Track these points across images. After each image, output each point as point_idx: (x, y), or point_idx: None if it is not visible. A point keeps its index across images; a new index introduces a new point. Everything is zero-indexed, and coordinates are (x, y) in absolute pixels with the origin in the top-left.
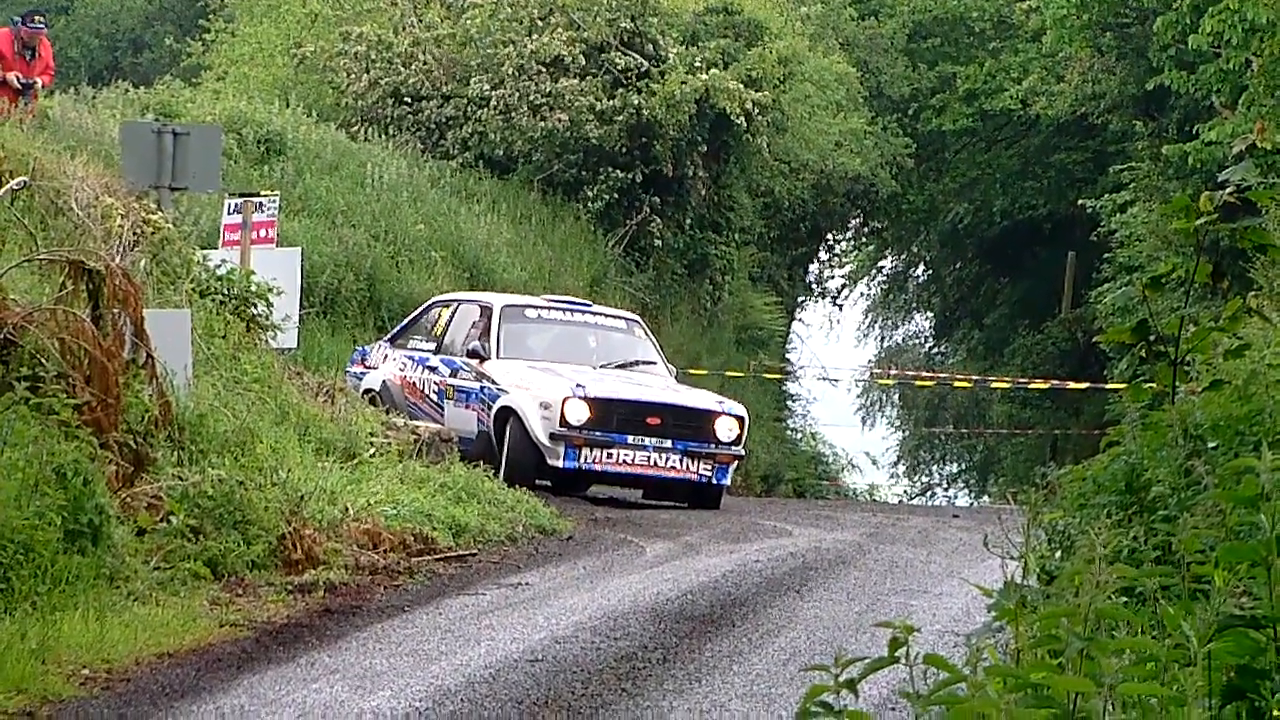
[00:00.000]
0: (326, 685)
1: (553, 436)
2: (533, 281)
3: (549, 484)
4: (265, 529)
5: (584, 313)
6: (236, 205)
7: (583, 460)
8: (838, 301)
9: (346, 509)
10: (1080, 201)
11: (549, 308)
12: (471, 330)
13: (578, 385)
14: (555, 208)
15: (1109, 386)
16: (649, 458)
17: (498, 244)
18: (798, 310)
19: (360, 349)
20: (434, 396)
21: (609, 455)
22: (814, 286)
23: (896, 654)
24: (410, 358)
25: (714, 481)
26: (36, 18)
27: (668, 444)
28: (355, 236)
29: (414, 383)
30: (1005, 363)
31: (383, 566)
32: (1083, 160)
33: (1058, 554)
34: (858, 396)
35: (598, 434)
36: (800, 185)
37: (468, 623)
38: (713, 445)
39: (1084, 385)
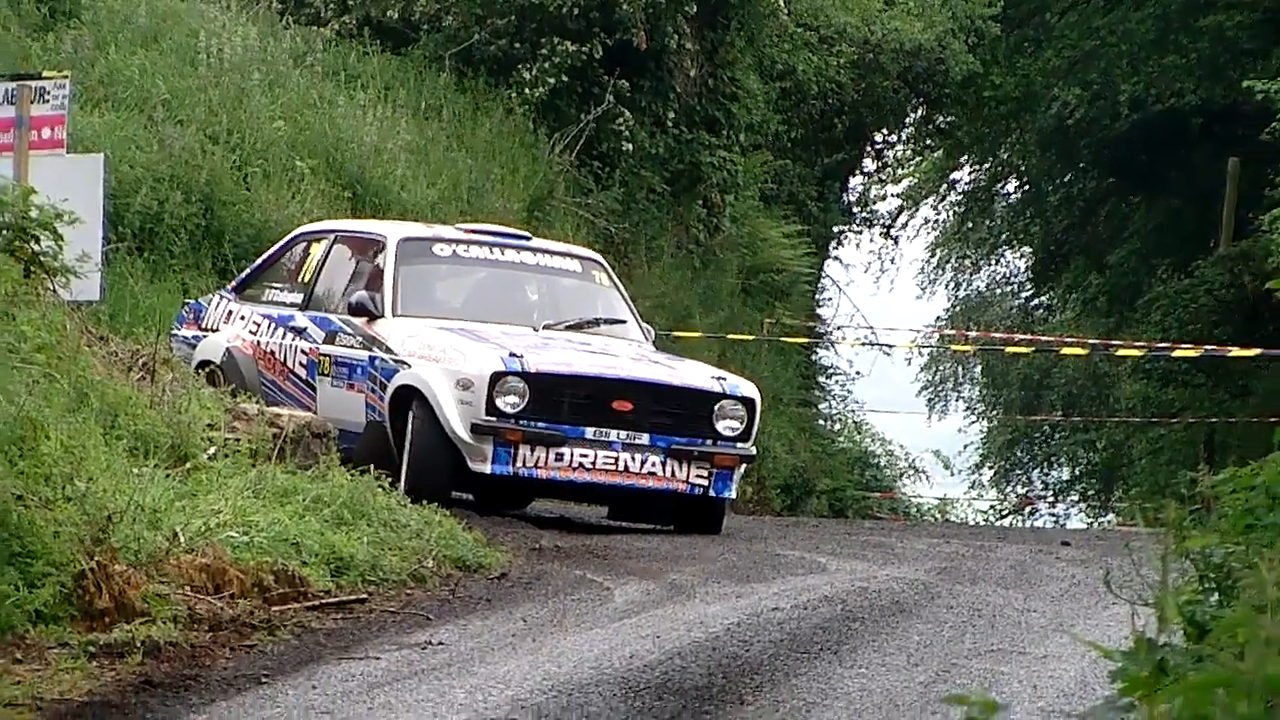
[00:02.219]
0: None
1: (476, 429)
2: (445, 204)
3: (471, 497)
4: (56, 565)
5: (520, 249)
6: (8, 92)
7: (519, 463)
8: (891, 233)
9: (175, 535)
10: (1246, 84)
11: (468, 242)
12: (355, 275)
13: (511, 354)
14: (477, 96)
15: None
16: (616, 459)
17: (393, 150)
18: (833, 245)
19: (193, 303)
20: (301, 372)
21: (558, 456)
22: (856, 211)
23: None
24: (266, 316)
25: (711, 493)
26: None
27: (643, 439)
28: (184, 138)
29: (272, 351)
30: (1138, 320)
31: (229, 619)
32: (1250, 24)
33: (1212, 598)
34: (922, 370)
35: (541, 425)
36: (835, 63)
37: (354, 700)
38: (709, 441)
39: (1253, 353)
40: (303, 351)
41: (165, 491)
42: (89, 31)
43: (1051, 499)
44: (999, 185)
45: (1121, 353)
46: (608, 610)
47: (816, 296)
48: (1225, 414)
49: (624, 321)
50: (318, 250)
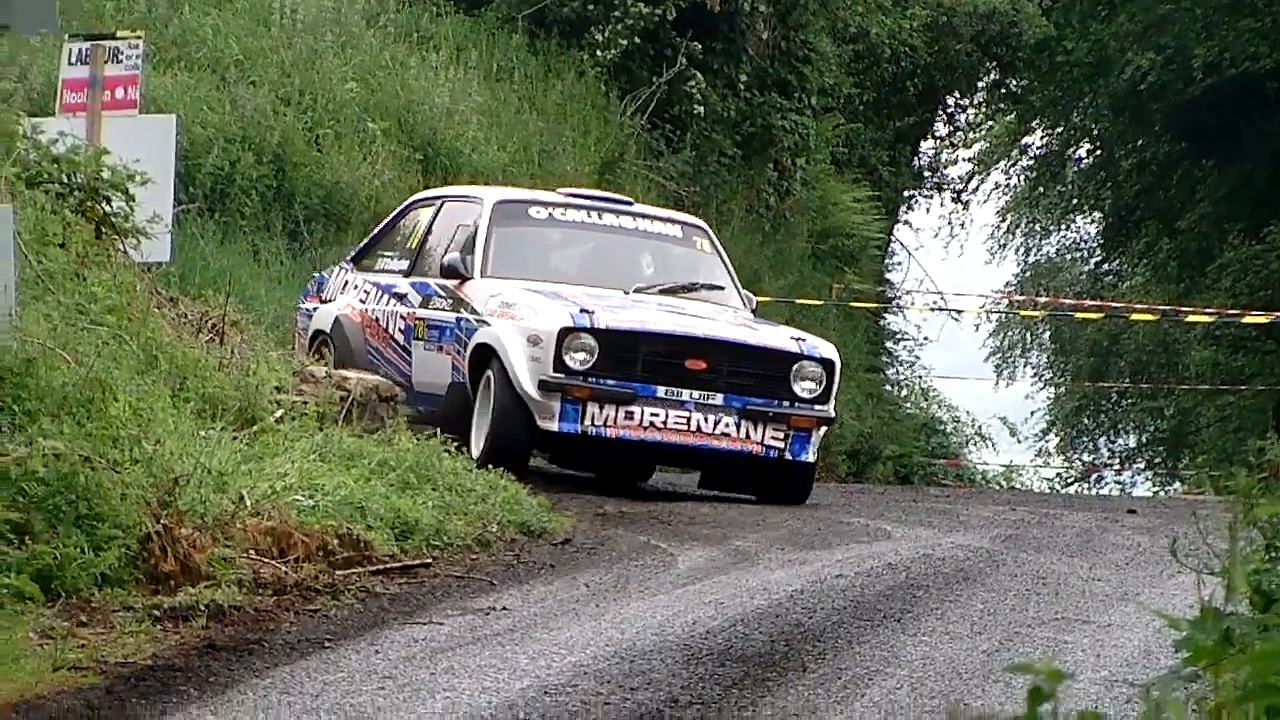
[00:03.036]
0: None
1: (544, 386)
2: (515, 166)
3: (547, 459)
4: (122, 527)
5: (620, 214)
6: (82, 52)
7: (588, 421)
8: (961, 197)
9: (241, 498)
10: None
11: (566, 205)
12: (455, 240)
13: (582, 310)
14: (549, 59)
15: None
16: (689, 419)
17: (465, 112)
18: (903, 209)
19: (317, 276)
20: (400, 337)
21: (628, 415)
22: (927, 175)
23: (1039, 711)
24: (375, 284)
25: (788, 456)
26: None
27: (717, 399)
28: (256, 99)
29: (377, 319)
30: (1209, 286)
31: (294, 583)
32: None
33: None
34: (990, 336)
35: (610, 383)
36: (908, 27)
37: (418, 665)
38: (786, 403)
39: None
40: (401, 317)
41: (232, 454)
42: None
43: (1118, 466)
44: (1071, 150)
45: (1191, 319)
46: (671, 576)
47: (885, 261)
48: None
49: (722, 288)
50: (425, 216)
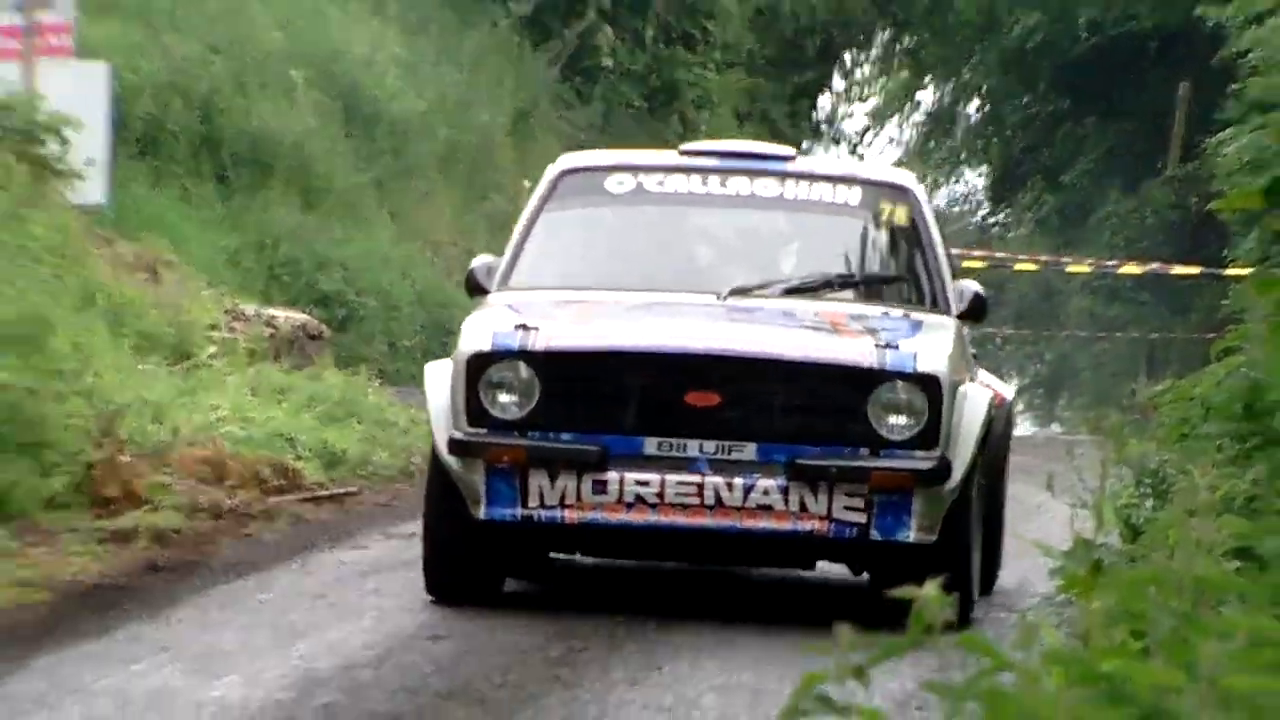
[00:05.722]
0: (153, 667)
1: (456, 447)
2: (432, 114)
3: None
4: (66, 455)
5: (764, 173)
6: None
7: (532, 501)
8: (857, 149)
9: (177, 430)
10: (1198, 11)
11: (671, 169)
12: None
13: (517, 327)
14: (464, 13)
15: (1230, 273)
16: (700, 487)
17: (383, 62)
18: None
19: None
20: None
21: (597, 486)
22: (824, 128)
23: (922, 632)
24: None
25: (874, 534)
26: None
27: (746, 451)
28: (185, 48)
29: None
30: (1088, 238)
31: (229, 508)
32: None
33: (1148, 502)
34: None
35: (564, 437)
36: None
37: (346, 586)
38: (863, 449)
39: (1195, 271)
40: None
41: (168, 388)
42: None
43: None
44: (961, 106)
45: (1071, 269)
46: None
47: None
48: (1166, 330)
49: (902, 279)
50: None
